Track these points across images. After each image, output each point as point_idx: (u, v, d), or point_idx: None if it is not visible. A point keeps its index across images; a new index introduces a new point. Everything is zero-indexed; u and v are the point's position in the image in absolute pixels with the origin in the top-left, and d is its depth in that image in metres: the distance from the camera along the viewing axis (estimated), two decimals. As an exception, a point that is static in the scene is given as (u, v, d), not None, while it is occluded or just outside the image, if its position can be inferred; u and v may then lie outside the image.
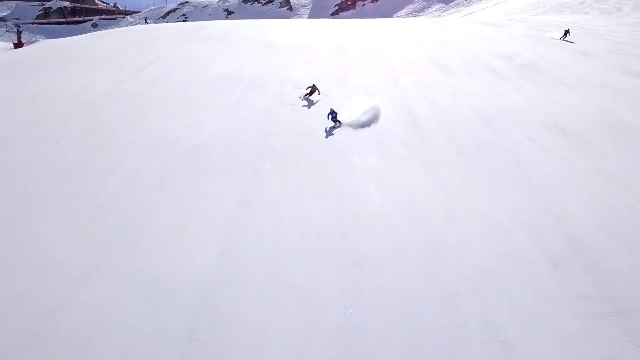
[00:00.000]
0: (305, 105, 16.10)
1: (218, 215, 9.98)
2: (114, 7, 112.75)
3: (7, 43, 39.36)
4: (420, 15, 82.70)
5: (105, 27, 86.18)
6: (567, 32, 25.53)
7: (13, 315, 7.41)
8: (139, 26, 44.47)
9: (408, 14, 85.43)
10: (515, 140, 13.37)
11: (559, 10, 42.42)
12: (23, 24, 64.51)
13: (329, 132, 13.85)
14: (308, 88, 16.20)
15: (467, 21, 36.96)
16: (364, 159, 12.40)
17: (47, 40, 36.58)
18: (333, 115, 13.81)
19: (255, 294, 7.85)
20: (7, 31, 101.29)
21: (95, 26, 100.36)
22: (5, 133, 14.13)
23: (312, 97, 16.14)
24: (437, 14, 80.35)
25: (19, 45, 33.56)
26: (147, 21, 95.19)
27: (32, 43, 34.37)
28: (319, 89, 16.15)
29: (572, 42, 24.99)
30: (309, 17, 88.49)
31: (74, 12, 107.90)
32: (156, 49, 24.50)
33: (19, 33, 37.12)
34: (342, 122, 14.09)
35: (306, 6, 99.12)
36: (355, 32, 28.62)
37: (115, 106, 16.44)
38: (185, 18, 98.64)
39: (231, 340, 6.97)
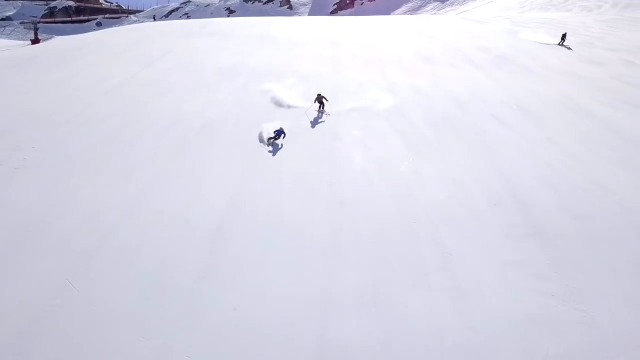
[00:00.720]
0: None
1: (229, 172, 12.31)
2: (117, 6, 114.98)
3: (25, 40, 41.68)
4: (416, 13, 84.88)
5: (109, 26, 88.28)
6: (564, 37, 25.04)
7: (71, 239, 9.72)
8: (147, 23, 46.77)
9: (405, 12, 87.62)
10: (480, 117, 15.71)
11: (544, 8, 44.70)
12: (38, 22, 66.63)
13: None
14: (315, 101, 15.48)
15: (455, 18, 39.28)
16: (349, 130, 14.72)
17: (61, 36, 38.88)
18: (279, 132, 13.42)
19: (259, 227, 10.18)
20: (14, 30, 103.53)
21: (99, 25, 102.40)
22: (43, 112, 16.47)
23: (324, 109, 15.53)
24: (433, 12, 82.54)
25: (35, 41, 35.89)
26: (155, 18, 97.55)
27: (47, 39, 36.72)
28: (325, 97, 15.52)
29: (570, 49, 24.52)
30: (308, 15, 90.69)
31: (78, 11, 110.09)
32: (166, 43, 26.83)
33: (36, 30, 39.43)
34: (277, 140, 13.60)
35: (305, 5, 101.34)
36: (349, 28, 30.95)
37: (134, 91, 18.78)
38: (188, 16, 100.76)
39: (240, 261, 9.28)
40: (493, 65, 21.73)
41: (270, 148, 13.56)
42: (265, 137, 13.95)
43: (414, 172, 11.96)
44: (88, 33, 35.20)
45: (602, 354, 7.06)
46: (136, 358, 7.10)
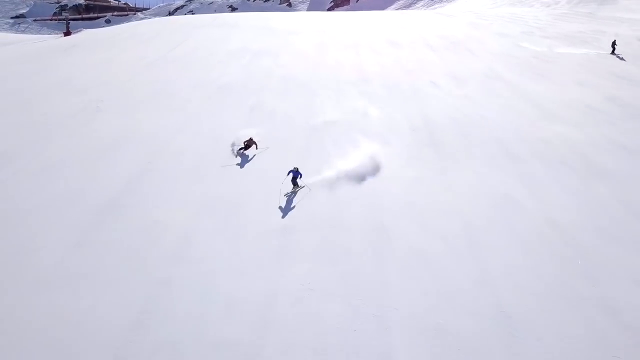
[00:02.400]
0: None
1: (238, 115, 18.17)
2: (124, 4, 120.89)
3: (58, 34, 47.59)
4: (408, 9, 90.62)
5: (117, 23, 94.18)
6: (614, 45, 24.84)
7: (138, 151, 15.55)
8: (165, 17, 52.70)
9: (397, 9, 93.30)
10: (421, 82, 21.59)
11: (512, 4, 50.44)
12: (70, 19, 72.34)
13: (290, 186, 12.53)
14: (245, 142, 14.44)
15: (428, 13, 45.17)
16: (325, 91, 20.60)
17: (88, 29, 44.85)
18: (295, 174, 12.04)
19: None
20: (28, 26, 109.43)
21: (108, 22, 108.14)
22: (101, 80, 22.43)
23: (247, 152, 14.43)
24: (423, 9, 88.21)
25: (67, 33, 41.85)
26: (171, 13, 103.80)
27: (77, 32, 42.66)
28: (255, 142, 14.54)
29: (622, 59, 24.25)
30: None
31: (88, 8, 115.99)
32: (184, 32, 32.79)
33: (68, 24, 45.44)
34: (300, 185, 12.35)
35: (304, 2, 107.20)
36: (336, 21, 36.91)
37: (166, 66, 24.74)
38: (192, 13, 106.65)
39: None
40: (445, 48, 27.61)
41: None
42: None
43: (367, 115, 17.82)
44: (120, 25, 41.09)
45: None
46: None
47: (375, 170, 13.70)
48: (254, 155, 14.61)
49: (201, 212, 11.72)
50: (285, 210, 11.90)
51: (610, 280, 9.46)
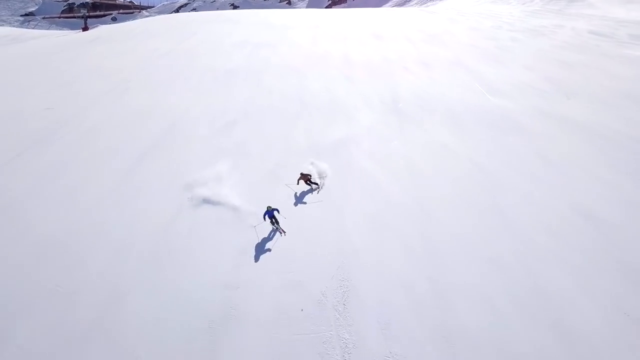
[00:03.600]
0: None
1: (240, 92, 22.32)
2: (130, 2, 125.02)
3: (67, 31, 51.68)
4: (403, 7, 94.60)
5: (123, 20, 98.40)
6: None
7: (167, 116, 19.72)
8: (172, 14, 56.79)
9: (392, 7, 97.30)
10: (395, 66, 25.73)
11: (493, 2, 54.49)
12: (87, 16, 76.34)
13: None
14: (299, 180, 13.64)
15: (413, 10, 49.27)
16: (314, 74, 24.73)
17: (104, 25, 49.00)
18: (269, 213, 11.65)
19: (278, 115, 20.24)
20: (37, 24, 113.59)
21: (114, 19, 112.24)
22: (124, 66, 26.61)
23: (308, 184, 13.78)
24: (416, 6, 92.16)
25: (85, 28, 46.03)
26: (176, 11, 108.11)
27: (94, 27, 46.79)
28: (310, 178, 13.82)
29: None
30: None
31: (94, 7, 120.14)
32: (192, 27, 36.95)
33: (86, 20, 49.67)
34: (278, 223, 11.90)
35: (303, 0, 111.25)
36: (329, 17, 41.05)
37: (178, 56, 28.90)
38: (195, 11, 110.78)
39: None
40: (422, 40, 31.74)
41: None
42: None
43: (346, 91, 21.98)
44: (132, 21, 45.27)
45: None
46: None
47: (349, 130, 17.84)
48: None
49: (217, 154, 15.89)
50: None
51: (505, 196, 13.60)
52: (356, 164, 15.30)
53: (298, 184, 13.66)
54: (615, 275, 10.62)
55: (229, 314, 9.68)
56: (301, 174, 13.81)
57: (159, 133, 17.78)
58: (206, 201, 13.36)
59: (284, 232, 11.94)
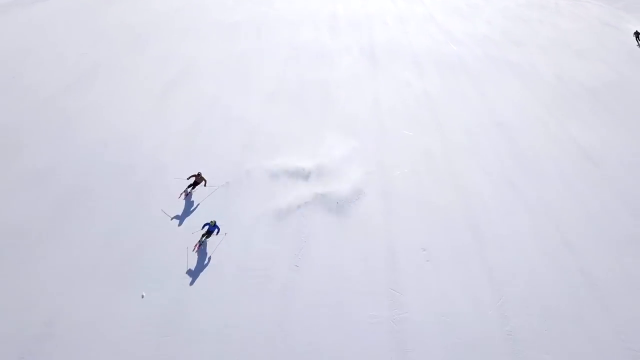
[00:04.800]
0: None
1: (247, 38, 26.56)
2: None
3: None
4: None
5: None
6: (637, 36, 27.49)
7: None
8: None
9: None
10: (375, 22, 29.81)
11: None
12: None
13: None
14: (190, 177, 13.63)
15: None
16: (304, 26, 28.82)
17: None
18: (212, 229, 11.86)
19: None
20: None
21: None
22: (142, 21, 30.60)
23: (194, 190, 13.72)
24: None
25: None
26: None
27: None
28: (205, 179, 13.76)
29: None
30: None
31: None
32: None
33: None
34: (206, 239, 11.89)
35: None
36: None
37: (191, 10, 32.79)
38: None
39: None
40: (397, 22, 35.51)
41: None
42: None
43: (331, 39, 26.26)
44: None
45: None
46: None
47: (330, 69, 22.36)
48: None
49: (224, 87, 20.48)
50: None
51: (442, 112, 18.39)
52: (334, 96, 19.98)
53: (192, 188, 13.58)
54: (511, 162, 15.69)
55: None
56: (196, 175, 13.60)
57: (176, 73, 22.23)
58: (214, 111, 18.19)
59: (199, 246, 11.78)
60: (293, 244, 12.28)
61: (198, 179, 13.54)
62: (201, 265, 11.57)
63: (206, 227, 11.93)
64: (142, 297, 10.65)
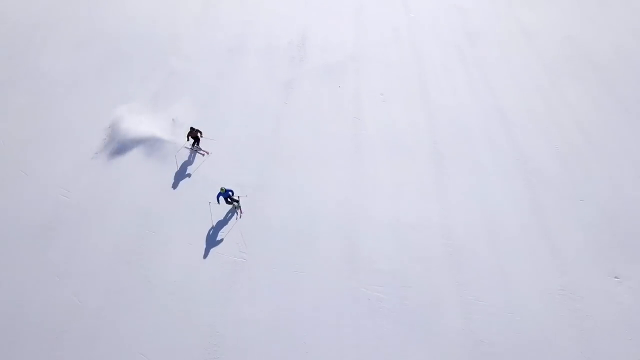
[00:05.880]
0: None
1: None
2: None
3: None
4: None
5: None
6: None
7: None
8: None
9: None
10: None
11: None
12: None
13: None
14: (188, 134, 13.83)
15: None
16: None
17: None
18: (224, 195, 11.60)
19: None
20: None
21: None
22: None
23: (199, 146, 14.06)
24: None
25: None
26: None
27: None
28: (200, 131, 13.94)
29: None
30: None
31: None
32: None
33: None
34: (238, 200, 12.12)
35: None
36: None
37: None
38: None
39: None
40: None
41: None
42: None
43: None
44: None
45: None
46: None
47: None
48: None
49: (245, 27, 23.07)
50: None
51: (415, 6, 21.47)
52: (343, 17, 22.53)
53: (188, 140, 13.84)
54: (462, 34, 19.32)
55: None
56: (191, 128, 13.81)
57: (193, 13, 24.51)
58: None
59: (241, 212, 12.13)
60: (285, 90, 16.57)
61: (193, 134, 13.74)
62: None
63: (221, 197, 11.66)
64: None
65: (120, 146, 14.23)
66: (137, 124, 14.70)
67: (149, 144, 14.29)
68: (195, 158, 14.04)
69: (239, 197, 12.13)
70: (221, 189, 11.43)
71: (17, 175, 13.37)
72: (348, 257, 11.20)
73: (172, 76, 17.16)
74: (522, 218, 12.01)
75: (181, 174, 13.42)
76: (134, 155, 13.94)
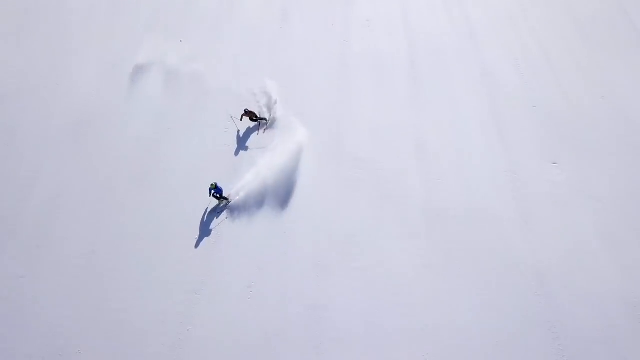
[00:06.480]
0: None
1: None
2: None
3: None
4: None
5: None
6: None
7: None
8: None
9: None
10: None
11: None
12: None
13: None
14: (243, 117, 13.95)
15: None
16: None
17: None
18: (216, 191, 11.89)
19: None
20: None
21: None
22: None
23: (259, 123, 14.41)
24: None
25: None
26: None
27: None
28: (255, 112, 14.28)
29: None
30: None
31: None
32: None
33: None
34: (227, 199, 12.32)
35: None
36: None
37: None
38: None
39: None
40: None
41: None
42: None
43: None
44: None
45: None
46: None
47: None
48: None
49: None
50: None
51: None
52: None
53: (242, 120, 13.99)
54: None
55: None
56: (245, 110, 13.99)
57: None
58: None
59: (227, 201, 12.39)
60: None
61: (249, 115, 13.96)
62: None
63: (213, 192, 11.89)
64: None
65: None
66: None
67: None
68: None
69: (229, 195, 12.40)
70: (212, 185, 11.79)
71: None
72: (334, 151, 13.50)
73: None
74: (482, 117, 14.15)
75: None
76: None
